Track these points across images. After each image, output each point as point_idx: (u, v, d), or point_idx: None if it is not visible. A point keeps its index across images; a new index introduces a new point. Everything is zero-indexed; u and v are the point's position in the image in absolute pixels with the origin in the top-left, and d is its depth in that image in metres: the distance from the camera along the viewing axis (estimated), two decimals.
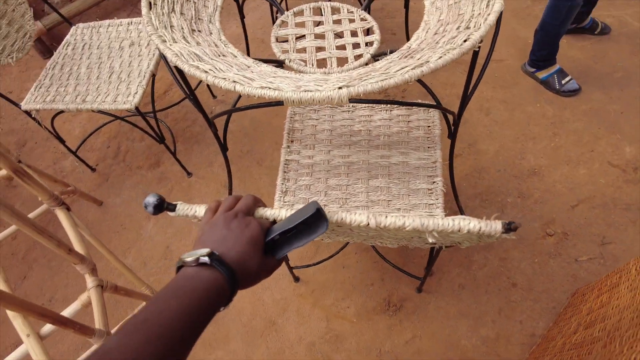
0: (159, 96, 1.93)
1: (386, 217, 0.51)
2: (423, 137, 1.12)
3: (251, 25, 2.18)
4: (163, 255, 1.48)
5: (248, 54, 1.94)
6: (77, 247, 1.04)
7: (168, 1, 1.06)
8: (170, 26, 1.01)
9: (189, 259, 0.43)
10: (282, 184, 1.08)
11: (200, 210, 0.53)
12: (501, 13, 0.93)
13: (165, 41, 0.94)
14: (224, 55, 0.99)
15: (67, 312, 0.97)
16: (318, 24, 1.28)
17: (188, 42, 0.98)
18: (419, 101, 1.14)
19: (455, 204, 1.26)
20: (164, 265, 1.46)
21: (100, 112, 1.31)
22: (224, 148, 1.24)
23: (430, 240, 0.52)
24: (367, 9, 1.33)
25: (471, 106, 1.75)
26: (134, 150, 1.75)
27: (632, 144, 1.57)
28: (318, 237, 0.49)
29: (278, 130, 1.73)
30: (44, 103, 1.34)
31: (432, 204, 1.03)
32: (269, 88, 0.82)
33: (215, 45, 1.03)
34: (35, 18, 1.92)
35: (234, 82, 0.83)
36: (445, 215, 0.71)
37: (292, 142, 1.17)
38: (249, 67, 0.97)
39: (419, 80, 1.07)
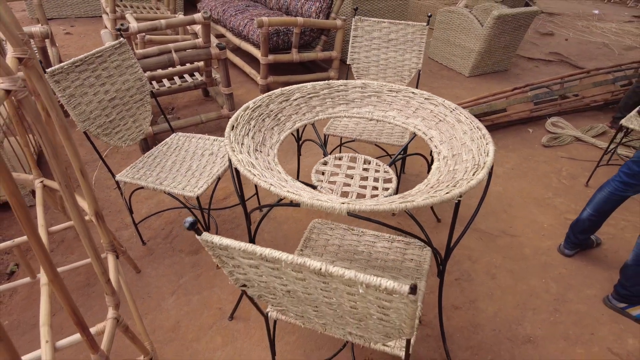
0: (218, 200, 2.32)
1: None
2: (413, 268, 1.31)
3: (306, 164, 2.64)
4: (171, 328, 1.64)
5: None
6: (114, 284, 1.27)
7: (245, 128, 1.48)
8: (241, 144, 1.40)
9: None
10: None
11: (224, 241, 0.77)
12: (488, 182, 1.21)
13: (234, 151, 1.31)
14: (271, 170, 1.33)
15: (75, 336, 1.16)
16: (350, 168, 1.64)
17: (249, 155, 1.34)
18: (413, 235, 1.36)
19: (444, 350, 1.35)
20: (169, 337, 1.61)
21: (169, 194, 1.68)
22: (251, 240, 1.51)
23: (360, 290, 0.71)
24: (393, 166, 1.68)
25: (479, 268, 1.90)
26: (182, 237, 2.06)
27: (636, 337, 1.59)
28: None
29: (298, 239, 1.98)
30: (132, 179, 1.74)
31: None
32: (293, 193, 1.11)
33: (268, 162, 1.39)
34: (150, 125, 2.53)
35: (271, 184, 1.14)
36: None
37: (305, 247, 1.41)
38: (287, 181, 1.30)
39: (414, 219, 1.33)
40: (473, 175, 1.23)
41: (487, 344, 1.57)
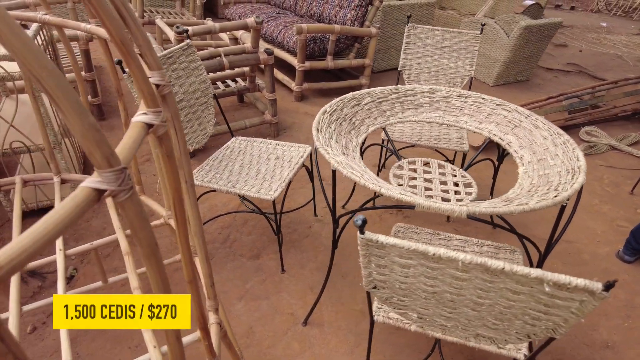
0: (270, 204, 2.31)
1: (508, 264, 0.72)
2: None
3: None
4: (245, 334, 1.62)
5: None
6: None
7: (329, 132, 1.48)
8: (330, 147, 1.40)
9: None
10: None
11: (390, 241, 0.77)
12: (582, 187, 1.22)
13: (329, 154, 1.31)
14: (365, 172, 1.33)
15: (189, 337, 1.14)
16: (426, 172, 1.64)
17: (346, 157, 1.34)
18: (517, 231, 1.36)
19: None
20: (244, 343, 1.59)
21: (243, 197, 1.67)
22: (334, 246, 1.50)
23: (546, 289, 0.70)
24: (467, 169, 1.68)
25: None
26: (241, 241, 2.05)
27: None
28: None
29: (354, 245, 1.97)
30: (202, 181, 1.73)
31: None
32: (406, 195, 1.11)
33: (358, 165, 1.39)
34: None
35: (380, 186, 1.14)
36: None
37: None
38: (383, 183, 1.30)
39: (508, 223, 1.33)
40: (572, 178, 1.24)
41: (565, 348, 1.57)
